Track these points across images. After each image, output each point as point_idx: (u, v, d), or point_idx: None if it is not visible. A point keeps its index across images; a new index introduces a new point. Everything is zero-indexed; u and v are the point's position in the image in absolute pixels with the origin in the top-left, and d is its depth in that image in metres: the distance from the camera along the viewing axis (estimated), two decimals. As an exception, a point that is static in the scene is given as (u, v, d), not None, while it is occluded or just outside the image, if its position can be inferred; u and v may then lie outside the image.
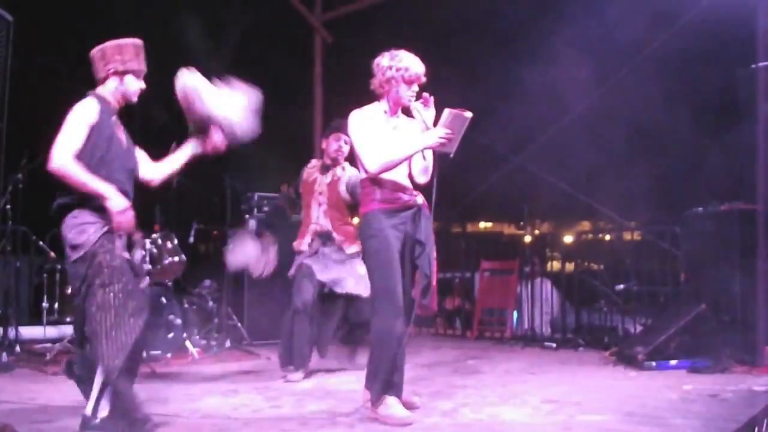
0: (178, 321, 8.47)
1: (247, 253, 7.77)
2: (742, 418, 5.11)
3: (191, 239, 9.63)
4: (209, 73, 5.29)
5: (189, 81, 5.15)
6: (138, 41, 5.13)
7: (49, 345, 8.60)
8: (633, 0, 10.53)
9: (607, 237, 12.87)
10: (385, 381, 5.29)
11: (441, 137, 5.26)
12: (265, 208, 10.58)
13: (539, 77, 11.15)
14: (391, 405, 5.25)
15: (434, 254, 5.54)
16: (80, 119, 4.84)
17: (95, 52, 5.06)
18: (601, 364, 8.30)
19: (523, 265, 11.49)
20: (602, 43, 10.41)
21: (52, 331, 9.05)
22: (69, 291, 8.92)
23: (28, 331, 8.95)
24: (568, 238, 13.07)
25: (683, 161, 12.05)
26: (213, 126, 5.27)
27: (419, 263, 5.44)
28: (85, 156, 4.80)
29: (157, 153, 5.47)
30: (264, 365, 8.35)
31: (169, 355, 8.30)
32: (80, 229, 4.82)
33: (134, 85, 5.10)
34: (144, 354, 7.24)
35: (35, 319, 9.38)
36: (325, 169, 7.64)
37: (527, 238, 12.28)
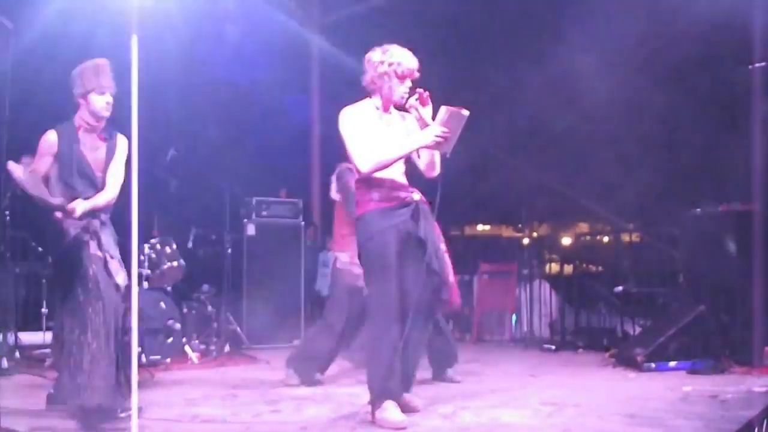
0: (178, 326, 8.46)
1: None
2: (742, 419, 5.12)
3: (190, 244, 9.64)
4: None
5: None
6: (99, 61, 5.60)
7: (48, 351, 8.59)
8: (631, 2, 10.55)
9: (606, 239, 12.89)
10: (382, 386, 5.22)
11: (437, 135, 5.16)
12: (264, 213, 10.59)
13: (537, 79, 11.17)
14: (387, 408, 5.20)
15: (443, 247, 5.47)
16: (40, 152, 5.55)
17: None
18: (601, 366, 8.31)
19: (522, 267, 11.50)
20: (601, 45, 10.42)
21: (51, 337, 9.04)
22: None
23: (27, 337, 8.93)
24: (566, 240, 13.09)
25: (681, 163, 12.05)
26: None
27: (427, 261, 5.27)
28: (54, 179, 5.53)
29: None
30: (263, 369, 8.35)
31: (168, 359, 8.30)
32: (57, 236, 5.46)
33: (99, 102, 5.56)
34: (143, 358, 7.24)
35: (34, 325, 9.37)
36: None
37: (525, 241, 12.28)
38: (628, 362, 7.99)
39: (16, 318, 8.69)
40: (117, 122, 5.72)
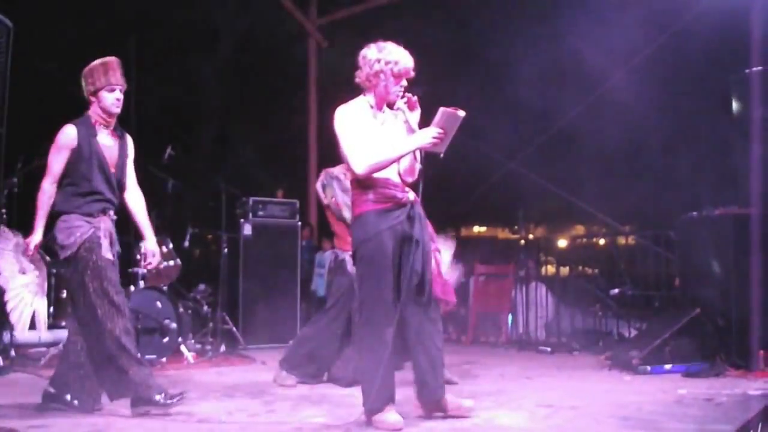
0: (173, 325, 8.45)
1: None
2: (737, 422, 5.12)
3: (186, 243, 9.63)
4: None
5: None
6: (108, 59, 5.75)
7: (44, 349, 8.59)
8: (628, 6, 10.55)
9: (602, 241, 12.89)
10: (377, 390, 5.18)
11: (434, 137, 5.13)
12: (260, 213, 10.59)
13: (534, 82, 11.16)
14: (383, 410, 5.20)
15: (436, 245, 5.47)
16: (59, 145, 5.62)
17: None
18: (596, 369, 8.31)
19: (518, 269, 11.50)
20: (597, 48, 10.43)
21: (47, 336, 9.03)
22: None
23: (23, 336, 8.92)
24: (562, 243, 13.10)
25: (677, 165, 12.06)
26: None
27: (413, 260, 5.24)
28: (69, 174, 5.63)
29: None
30: (259, 370, 8.35)
31: (164, 359, 8.30)
32: (69, 232, 5.54)
33: (109, 99, 5.69)
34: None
35: (30, 324, 9.34)
36: None
37: (522, 243, 12.29)
38: (623, 365, 7.99)
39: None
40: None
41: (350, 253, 6.98)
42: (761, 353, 7.54)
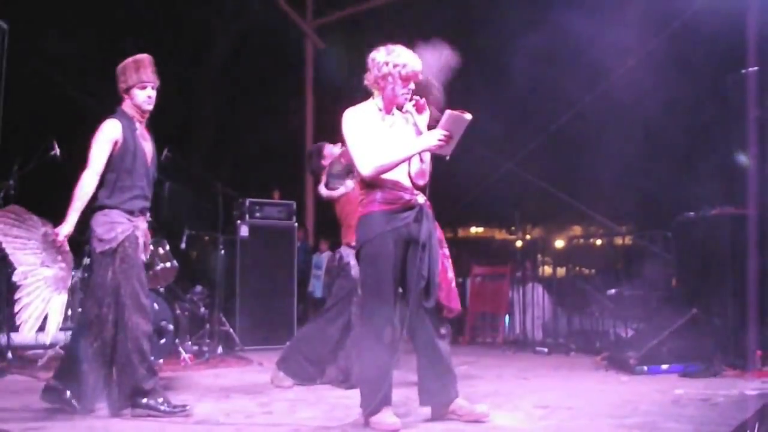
0: (170, 327, 8.46)
1: None
2: (734, 422, 5.11)
3: (183, 245, 9.62)
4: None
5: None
6: (140, 56, 5.77)
7: (41, 351, 8.58)
8: (624, 5, 10.56)
9: (599, 242, 12.90)
10: (376, 392, 5.16)
11: (440, 139, 5.13)
12: (257, 214, 10.59)
13: (530, 83, 11.17)
14: (381, 411, 5.18)
15: (446, 251, 5.46)
16: (104, 137, 5.59)
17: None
18: (593, 369, 8.32)
19: (515, 270, 11.52)
20: (595, 49, 10.43)
21: (44, 338, 9.01)
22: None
23: (20, 338, 8.91)
24: (559, 243, 13.09)
25: (674, 166, 12.07)
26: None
27: (420, 264, 5.23)
28: (112, 167, 5.61)
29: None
30: (256, 371, 8.34)
31: (161, 360, 8.28)
32: (110, 227, 5.55)
33: (141, 96, 5.73)
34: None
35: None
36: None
37: (519, 243, 12.29)
38: (620, 365, 7.99)
39: (8, 318, 8.68)
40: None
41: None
42: (758, 353, 7.55)
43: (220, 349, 9.37)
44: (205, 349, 9.26)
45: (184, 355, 8.62)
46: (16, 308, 5.58)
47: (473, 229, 25.51)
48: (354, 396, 5.54)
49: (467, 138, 5.25)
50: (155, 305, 8.37)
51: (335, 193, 7.35)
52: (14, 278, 5.63)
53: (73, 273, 8.80)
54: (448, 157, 5.29)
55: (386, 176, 5.26)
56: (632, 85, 11.51)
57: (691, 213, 8.56)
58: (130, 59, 5.76)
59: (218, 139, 17.65)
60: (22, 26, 9.04)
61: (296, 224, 11.05)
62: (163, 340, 8.38)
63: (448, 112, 5.15)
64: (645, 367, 7.72)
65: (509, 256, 12.14)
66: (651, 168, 13.26)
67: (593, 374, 8.01)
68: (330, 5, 14.87)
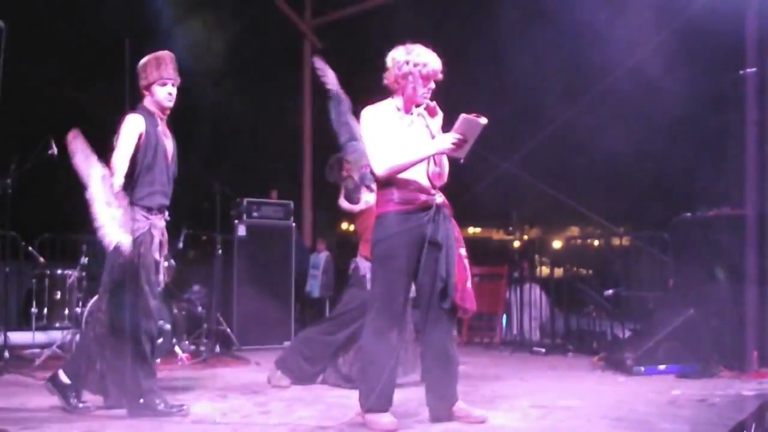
0: (168, 326, 8.46)
1: None
2: (731, 423, 5.12)
3: (180, 244, 9.61)
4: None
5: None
6: (161, 53, 5.76)
7: (37, 350, 8.59)
8: (622, 5, 10.56)
9: (596, 242, 12.90)
10: (377, 392, 5.16)
11: (452, 143, 5.14)
12: (254, 214, 10.59)
13: (528, 83, 11.17)
14: (378, 412, 5.20)
15: (463, 252, 5.44)
16: (130, 129, 5.55)
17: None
18: (590, 370, 8.33)
19: (512, 270, 11.52)
20: (592, 49, 10.43)
21: (41, 337, 9.03)
22: (58, 296, 8.92)
23: (17, 337, 8.92)
24: (556, 244, 13.10)
25: (672, 166, 12.07)
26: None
27: (438, 265, 5.27)
28: (132, 162, 5.52)
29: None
30: (253, 371, 8.34)
31: (158, 360, 8.26)
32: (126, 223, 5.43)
33: (161, 93, 5.73)
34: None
35: (24, 325, 9.36)
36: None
37: (516, 244, 12.29)
38: (617, 366, 8.00)
39: (5, 318, 8.68)
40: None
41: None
42: (755, 354, 7.55)
43: (217, 349, 9.36)
44: (203, 348, 9.25)
45: (181, 354, 8.62)
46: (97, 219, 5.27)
47: (470, 229, 25.50)
48: (351, 396, 5.54)
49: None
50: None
51: (356, 208, 7.33)
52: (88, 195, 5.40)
53: (71, 272, 8.85)
54: (462, 160, 5.31)
55: (403, 176, 5.27)
56: (631, 85, 11.51)
57: (689, 214, 8.56)
58: (151, 56, 5.75)
59: (216, 138, 17.63)
60: (21, 25, 9.01)
61: (294, 224, 11.06)
62: (160, 340, 8.36)
63: (462, 115, 5.16)
64: (642, 368, 7.73)
65: (506, 257, 12.13)
66: (649, 168, 13.28)
67: (590, 375, 8.02)
68: (329, 5, 14.87)
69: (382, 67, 5.41)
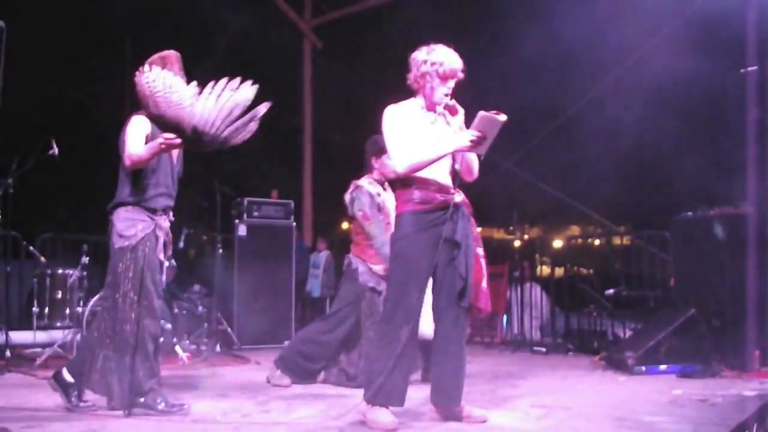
0: (168, 326, 8.46)
1: None
2: (732, 423, 5.12)
3: (181, 244, 9.62)
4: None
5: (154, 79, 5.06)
6: (167, 53, 5.63)
7: (39, 350, 8.59)
8: (625, 4, 10.56)
9: (597, 242, 12.90)
10: (380, 386, 5.17)
11: (471, 140, 5.14)
12: (255, 214, 10.59)
13: (528, 81, 11.16)
14: (379, 409, 5.19)
15: (481, 252, 5.44)
16: (136, 130, 5.50)
17: None
18: (591, 369, 8.33)
19: (513, 269, 11.51)
20: (594, 47, 10.44)
21: (42, 336, 9.04)
22: (59, 296, 8.91)
23: (18, 336, 8.93)
24: (557, 243, 13.10)
25: (673, 166, 12.07)
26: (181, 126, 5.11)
27: (456, 264, 5.27)
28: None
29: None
30: (254, 370, 8.34)
31: (159, 359, 8.28)
32: (131, 224, 5.52)
33: None
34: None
35: (25, 324, 9.36)
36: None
37: (516, 243, 12.29)
38: (618, 365, 8.00)
39: (7, 317, 8.69)
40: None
41: (364, 262, 7.04)
42: (756, 354, 7.55)
43: (218, 348, 9.37)
44: (203, 348, 9.26)
45: (182, 354, 8.61)
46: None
47: (471, 229, 25.52)
48: (352, 395, 5.54)
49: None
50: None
51: (358, 215, 7.29)
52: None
53: (72, 272, 8.84)
54: (482, 157, 5.33)
55: (423, 175, 5.28)
56: (631, 84, 11.52)
57: (689, 213, 8.56)
58: (156, 55, 5.65)
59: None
60: (22, 24, 9.02)
61: (294, 224, 11.06)
62: (161, 339, 8.36)
63: (480, 113, 5.16)
64: (643, 368, 7.73)
65: (507, 256, 12.13)
66: (650, 168, 13.28)
67: (591, 374, 8.02)
68: (328, 5, 14.87)
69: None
